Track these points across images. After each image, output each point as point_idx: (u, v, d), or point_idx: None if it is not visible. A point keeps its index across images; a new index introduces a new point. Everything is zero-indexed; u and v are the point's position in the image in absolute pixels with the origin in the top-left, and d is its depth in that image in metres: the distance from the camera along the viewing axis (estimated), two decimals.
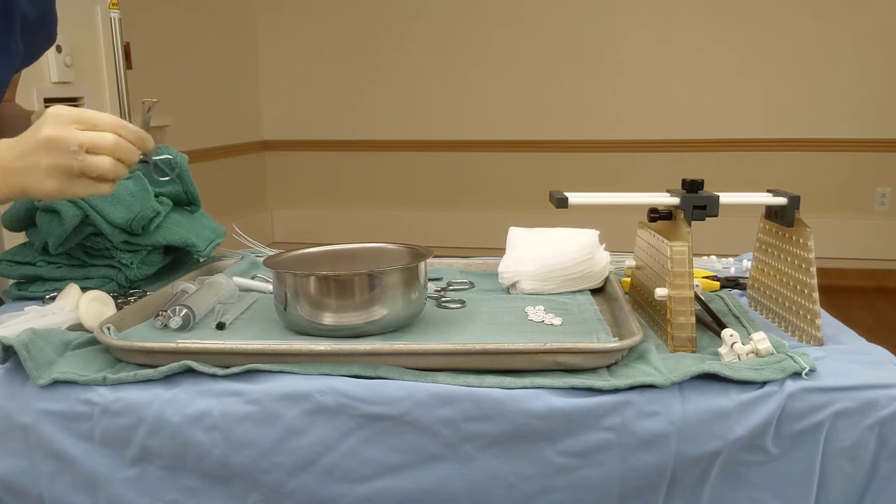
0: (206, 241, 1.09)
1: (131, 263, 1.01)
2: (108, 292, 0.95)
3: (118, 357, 0.78)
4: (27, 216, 1.02)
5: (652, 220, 0.89)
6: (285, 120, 4.59)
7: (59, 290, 0.95)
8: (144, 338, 0.81)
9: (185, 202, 1.11)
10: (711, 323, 0.86)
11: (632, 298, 0.98)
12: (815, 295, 0.80)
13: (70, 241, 1.00)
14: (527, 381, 0.70)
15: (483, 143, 4.33)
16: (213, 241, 1.10)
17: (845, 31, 3.82)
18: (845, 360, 0.74)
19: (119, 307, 0.92)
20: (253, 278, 1.06)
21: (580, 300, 0.97)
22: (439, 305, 0.95)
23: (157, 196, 1.05)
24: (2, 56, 1.10)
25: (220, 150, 4.17)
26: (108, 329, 0.80)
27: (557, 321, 0.88)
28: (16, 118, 1.19)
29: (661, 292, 0.81)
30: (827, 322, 0.87)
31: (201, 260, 1.20)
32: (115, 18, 2.26)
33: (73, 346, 0.80)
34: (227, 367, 0.74)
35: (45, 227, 0.99)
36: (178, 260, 1.13)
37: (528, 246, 1.02)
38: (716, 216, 0.84)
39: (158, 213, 1.02)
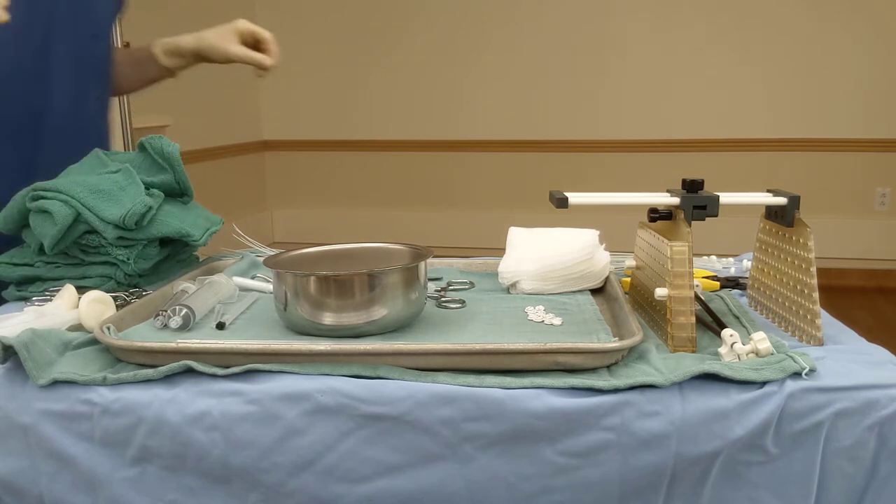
0: (202, 229, 1.08)
1: (128, 259, 1.01)
2: (108, 291, 0.95)
3: (118, 357, 0.78)
4: (21, 218, 1.02)
5: (652, 220, 0.89)
6: (285, 120, 4.59)
7: (58, 289, 0.95)
8: (144, 338, 0.81)
9: (178, 193, 1.10)
10: (711, 323, 0.86)
11: (632, 298, 0.98)
12: (815, 295, 0.80)
13: (65, 241, 0.99)
14: (527, 381, 0.70)
15: (483, 143, 4.33)
16: (208, 230, 1.09)
17: (845, 30, 3.82)
18: (845, 360, 0.74)
19: (119, 307, 0.92)
20: (253, 278, 1.06)
21: (580, 300, 0.97)
22: (439, 305, 0.95)
23: (147, 188, 1.04)
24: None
25: (220, 150, 4.17)
26: (108, 329, 0.80)
27: (557, 321, 0.88)
28: (118, 64, 1.30)
29: (661, 292, 0.81)
30: (827, 322, 0.87)
31: (200, 258, 1.20)
32: None
33: (73, 346, 0.80)
34: (227, 367, 0.74)
35: (38, 229, 0.99)
36: (174, 252, 1.13)
37: (528, 246, 1.02)
38: (716, 216, 0.84)
39: (150, 207, 1.01)
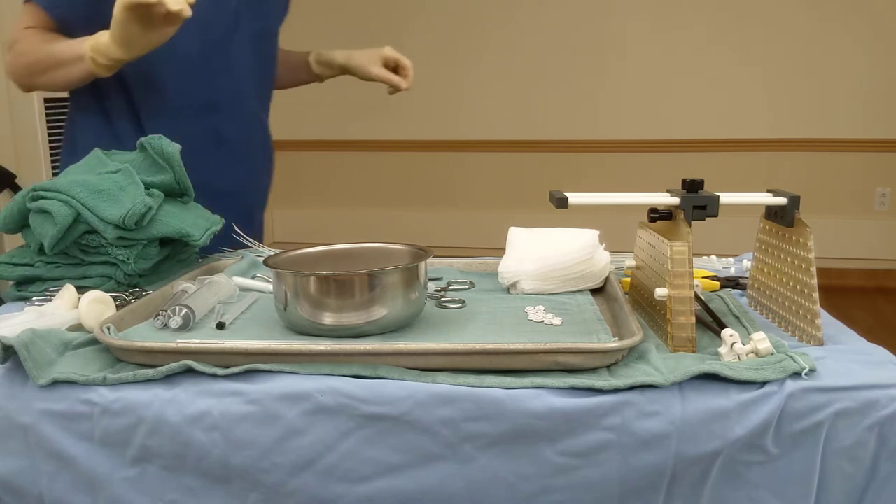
0: (202, 230, 1.08)
1: (128, 259, 1.01)
2: (108, 291, 0.95)
3: (118, 357, 0.78)
4: (21, 217, 1.02)
5: (652, 220, 0.89)
6: (285, 120, 4.58)
7: (58, 289, 0.95)
8: (144, 338, 0.81)
9: (178, 193, 1.10)
10: (711, 323, 0.86)
11: (632, 298, 0.98)
12: (815, 295, 0.80)
13: (65, 241, 0.99)
14: (527, 381, 0.70)
15: (482, 143, 4.33)
16: (208, 230, 1.09)
17: (845, 30, 3.82)
18: (845, 360, 0.74)
19: (119, 307, 0.92)
20: (253, 278, 1.06)
21: (580, 300, 0.97)
22: (439, 305, 0.95)
23: (147, 188, 1.04)
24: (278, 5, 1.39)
25: None
26: (108, 329, 0.80)
27: (557, 321, 0.88)
28: (280, 65, 1.44)
29: (661, 292, 0.81)
30: (827, 322, 0.87)
31: (199, 257, 1.20)
32: None
33: (73, 346, 0.80)
34: (227, 367, 0.74)
35: (38, 229, 0.99)
36: (174, 252, 1.12)
37: (528, 246, 1.02)
38: (716, 216, 0.84)
39: (150, 207, 1.01)
